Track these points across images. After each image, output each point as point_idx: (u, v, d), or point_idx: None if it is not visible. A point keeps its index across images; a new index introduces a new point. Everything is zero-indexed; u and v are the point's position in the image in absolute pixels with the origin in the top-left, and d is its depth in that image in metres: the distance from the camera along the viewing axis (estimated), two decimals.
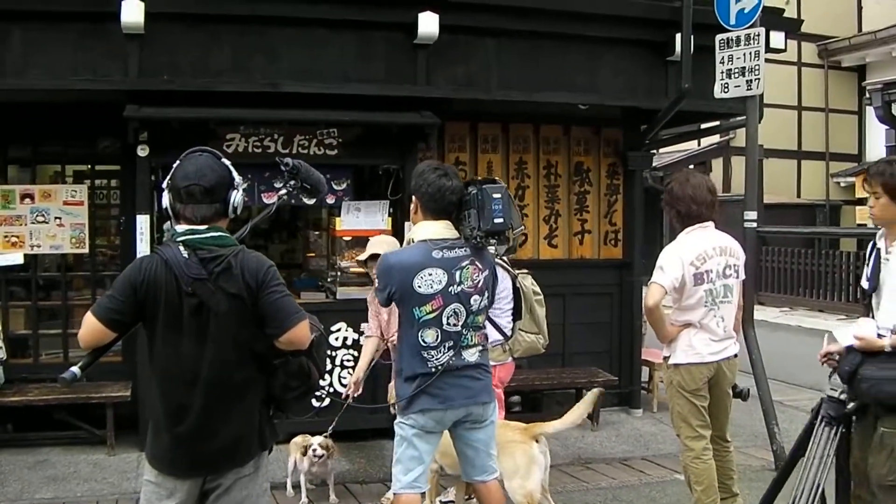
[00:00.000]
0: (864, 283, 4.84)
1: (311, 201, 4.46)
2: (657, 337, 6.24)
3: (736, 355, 6.15)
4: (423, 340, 4.79)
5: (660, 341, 6.24)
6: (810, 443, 4.78)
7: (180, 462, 3.78)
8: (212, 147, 3.93)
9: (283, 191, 4.32)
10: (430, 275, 4.75)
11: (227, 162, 3.87)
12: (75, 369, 3.66)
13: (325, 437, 6.79)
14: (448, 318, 4.80)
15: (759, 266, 18.86)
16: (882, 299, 4.60)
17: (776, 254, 19.38)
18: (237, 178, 3.88)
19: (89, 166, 8.90)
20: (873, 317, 4.67)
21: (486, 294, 4.95)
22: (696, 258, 5.88)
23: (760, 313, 15.80)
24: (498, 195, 4.80)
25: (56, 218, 8.48)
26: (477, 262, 4.87)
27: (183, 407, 3.73)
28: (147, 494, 3.87)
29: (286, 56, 7.90)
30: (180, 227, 3.78)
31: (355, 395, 6.54)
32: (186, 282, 3.66)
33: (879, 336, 4.48)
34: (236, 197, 3.85)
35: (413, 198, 5.03)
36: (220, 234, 3.78)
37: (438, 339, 4.79)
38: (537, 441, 5.92)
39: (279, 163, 4.28)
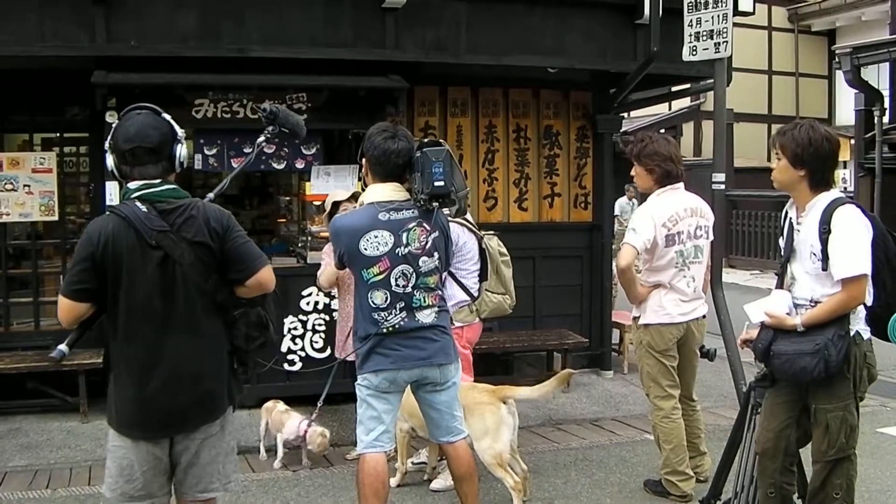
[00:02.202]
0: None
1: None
2: (628, 298, 6.29)
3: (704, 316, 6.22)
4: (373, 302, 4.82)
5: (630, 302, 6.30)
6: (744, 433, 4.82)
7: (150, 421, 3.76)
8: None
9: (262, 137, 4.35)
10: (377, 237, 4.77)
11: (167, 116, 3.87)
12: (63, 347, 3.71)
13: (318, 409, 6.58)
14: (396, 280, 4.81)
15: (730, 229, 18.97)
16: (796, 272, 4.61)
17: (746, 217, 19.44)
18: (179, 131, 3.89)
19: (58, 134, 8.81)
20: (782, 285, 4.72)
21: (437, 255, 4.94)
22: (669, 219, 5.93)
23: (731, 276, 15.96)
24: (438, 158, 4.79)
25: (25, 186, 8.39)
26: (425, 224, 4.88)
27: (153, 361, 3.72)
28: (117, 461, 3.83)
29: (254, 21, 7.83)
30: (133, 184, 3.78)
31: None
32: (150, 235, 3.67)
33: (797, 306, 4.53)
34: (181, 151, 3.88)
35: (363, 160, 5.06)
36: (173, 186, 3.82)
37: (388, 301, 4.81)
38: (505, 403, 5.95)
39: (257, 109, 4.29)
